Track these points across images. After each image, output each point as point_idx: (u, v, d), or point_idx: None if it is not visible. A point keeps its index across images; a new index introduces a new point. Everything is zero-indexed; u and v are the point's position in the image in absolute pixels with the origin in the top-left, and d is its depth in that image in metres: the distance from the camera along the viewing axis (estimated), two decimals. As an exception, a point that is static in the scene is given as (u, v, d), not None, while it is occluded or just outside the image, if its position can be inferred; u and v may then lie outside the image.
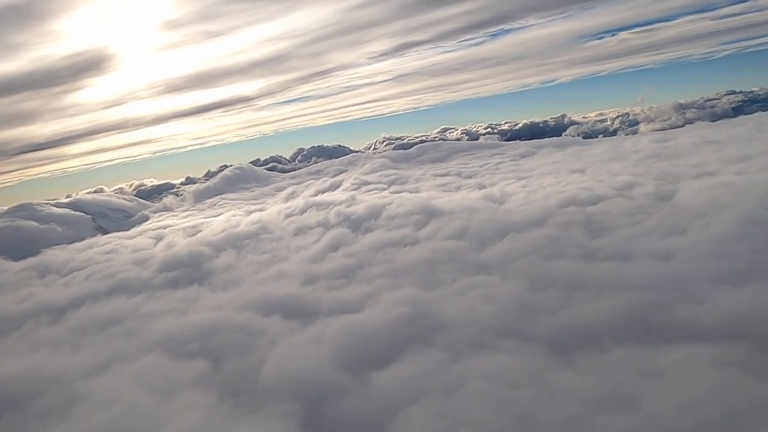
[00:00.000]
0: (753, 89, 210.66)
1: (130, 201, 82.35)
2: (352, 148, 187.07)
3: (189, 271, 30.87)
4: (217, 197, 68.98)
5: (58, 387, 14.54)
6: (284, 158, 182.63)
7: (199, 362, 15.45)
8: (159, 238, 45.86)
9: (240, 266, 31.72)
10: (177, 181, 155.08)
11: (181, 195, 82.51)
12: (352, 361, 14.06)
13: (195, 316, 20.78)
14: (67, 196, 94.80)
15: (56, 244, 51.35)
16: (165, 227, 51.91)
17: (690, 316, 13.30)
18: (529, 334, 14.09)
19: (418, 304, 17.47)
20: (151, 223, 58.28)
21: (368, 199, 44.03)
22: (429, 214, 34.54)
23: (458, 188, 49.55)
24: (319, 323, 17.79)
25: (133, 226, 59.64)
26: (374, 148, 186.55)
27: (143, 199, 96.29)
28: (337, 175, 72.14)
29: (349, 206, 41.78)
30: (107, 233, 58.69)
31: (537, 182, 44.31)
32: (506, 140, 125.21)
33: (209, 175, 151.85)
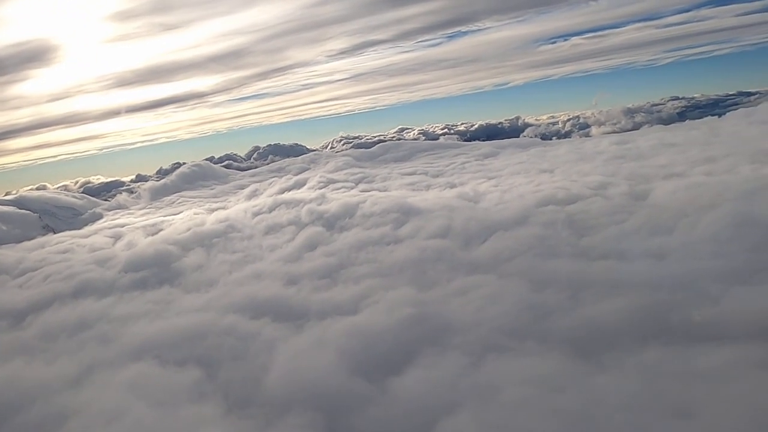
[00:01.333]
0: (695, 95, 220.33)
1: (80, 199, 78.52)
2: (309, 147, 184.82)
3: (157, 271, 29.27)
4: (175, 195, 66.43)
5: (45, 399, 13.11)
6: (239, 156, 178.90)
7: (192, 370, 14.26)
8: (117, 237, 43.63)
9: (211, 266, 30.34)
10: (127, 179, 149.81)
11: (136, 192, 79.09)
12: (364, 366, 13.23)
13: (175, 320, 19.46)
14: (8, 193, 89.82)
15: (2, 244, 48.32)
16: (122, 225, 49.48)
17: (711, 315, 13.06)
18: (547, 335, 13.58)
19: (419, 305, 16.77)
20: (105, 222, 55.54)
21: (339, 197, 43.09)
22: (406, 212, 33.91)
23: (428, 187, 49.20)
24: (315, 326, 16.87)
25: (86, 225, 56.70)
26: (331, 147, 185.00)
27: (91, 196, 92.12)
28: (300, 173, 70.74)
29: (320, 204, 40.74)
30: (56, 232, 55.66)
31: (508, 182, 44.39)
32: (465, 140, 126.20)
33: (162, 173, 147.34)
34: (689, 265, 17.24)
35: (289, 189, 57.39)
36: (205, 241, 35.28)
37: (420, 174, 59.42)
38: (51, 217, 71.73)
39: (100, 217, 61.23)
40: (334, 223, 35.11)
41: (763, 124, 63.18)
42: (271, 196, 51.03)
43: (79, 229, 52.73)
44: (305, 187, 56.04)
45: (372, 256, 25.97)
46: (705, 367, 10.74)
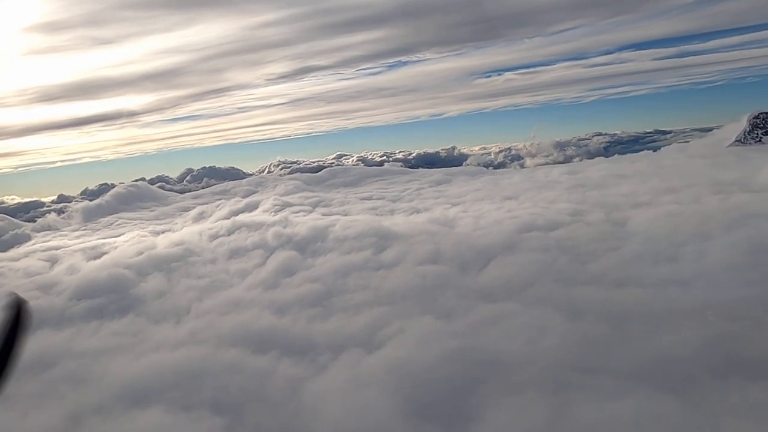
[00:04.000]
0: (616, 132, 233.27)
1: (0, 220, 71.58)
2: (245, 171, 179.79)
3: (114, 298, 26.16)
4: (112, 216, 61.70)
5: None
6: (171, 178, 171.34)
7: (210, 417, 11.97)
8: (54, 261, 39.33)
9: (175, 292, 27.51)
10: (47, 199, 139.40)
11: (65, 213, 73.10)
12: (425, 410, 11.48)
13: (159, 356, 16.86)
14: None
15: None
16: (57, 248, 44.92)
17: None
18: (617, 370, 12.35)
19: (452, 337, 15.25)
20: (35, 244, 50.38)
21: (304, 221, 40.95)
22: (383, 236, 32.35)
23: (392, 212, 47.87)
24: (336, 362, 14.92)
25: (11, 247, 51.26)
26: (269, 171, 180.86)
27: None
28: (248, 195, 67.84)
29: (286, 227, 38.51)
30: (-26, 255, 49.91)
31: (475, 207, 43.75)
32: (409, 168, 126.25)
33: (87, 194, 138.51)
34: (726, 294, 16.61)
35: (240, 211, 54.27)
36: (163, 265, 32.20)
37: (377, 199, 58.17)
38: (-35, 238, 64.82)
39: (27, 238, 55.69)
40: (305, 246, 33.03)
41: (700, 158, 66.78)
42: (225, 218, 47.95)
43: (5, 251, 47.50)
44: (259, 209, 53.30)
45: (362, 282, 24.20)
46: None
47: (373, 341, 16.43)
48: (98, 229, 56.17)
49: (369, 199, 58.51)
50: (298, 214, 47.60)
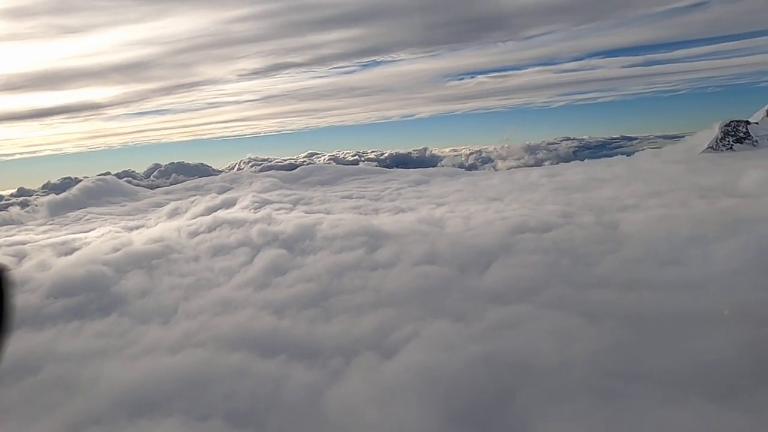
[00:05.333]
0: (584, 137, 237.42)
1: (-43, 212, 68.13)
2: (214, 168, 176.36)
3: (94, 296, 24.73)
4: (81, 211, 59.21)
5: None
6: (137, 173, 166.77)
7: (228, 428, 10.93)
8: (21, 256, 37.23)
9: (159, 291, 26.18)
10: (6, 192, 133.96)
11: (28, 207, 70.05)
12: (463, 418, 10.71)
13: (158, 360, 15.70)
14: None
15: None
16: (23, 243, 42.68)
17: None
18: (657, 376, 11.82)
19: (472, 341, 14.54)
20: (-1, 238, 47.84)
21: (289, 218, 39.80)
22: (374, 236, 31.55)
23: (376, 211, 47.02)
24: (352, 366, 14.09)
25: (-30, 241, 48.56)
26: (239, 168, 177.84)
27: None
28: (223, 192, 66.13)
29: (270, 224, 37.36)
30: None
31: (461, 208, 43.22)
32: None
33: (49, 187, 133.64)
34: (742, 297, 16.35)
35: (217, 208, 52.64)
36: (143, 262, 30.73)
37: (357, 198, 57.27)
38: None
39: (-12, 233, 52.88)
40: (292, 245, 31.96)
41: (675, 163, 67.81)
42: (203, 215, 46.41)
43: (-35, 246, 44.89)
44: (237, 206, 51.77)
45: (360, 283, 23.37)
46: None
47: (385, 345, 15.62)
48: (66, 224, 53.79)
49: (350, 197, 57.57)
50: (280, 212, 46.37)
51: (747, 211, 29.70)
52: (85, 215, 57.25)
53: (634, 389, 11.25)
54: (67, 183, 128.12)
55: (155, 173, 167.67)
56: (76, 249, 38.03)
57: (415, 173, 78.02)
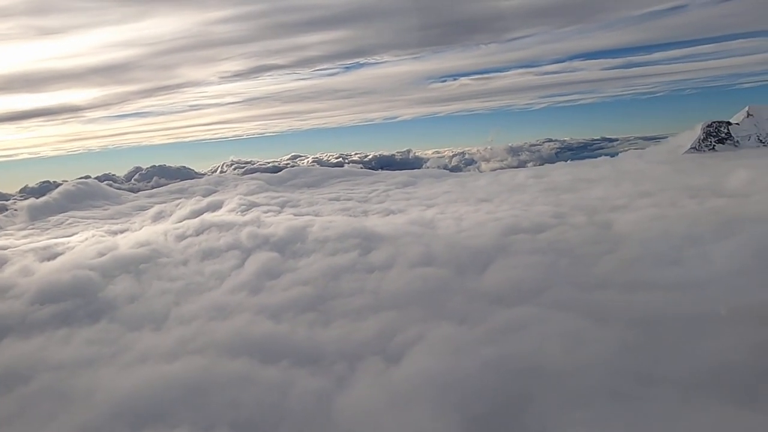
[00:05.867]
0: (565, 138, 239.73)
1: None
2: (196, 171, 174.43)
3: (81, 302, 24.00)
4: (62, 215, 57.97)
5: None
6: (118, 177, 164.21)
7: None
8: (2, 262, 36.10)
9: (148, 296, 25.50)
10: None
11: (7, 211, 68.41)
12: (483, 424, 10.36)
13: (154, 368, 15.12)
14: None
15: None
16: (3, 248, 41.49)
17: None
18: (676, 379, 11.62)
19: (481, 344, 14.21)
20: (-23, 243, 46.49)
21: (279, 221, 39.26)
22: (366, 238, 31.14)
23: (366, 213, 46.64)
24: (357, 372, 13.74)
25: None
26: (221, 171, 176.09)
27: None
28: (208, 195, 65.30)
29: (259, 227, 36.76)
30: None
31: (451, 209, 43.05)
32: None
33: (27, 192, 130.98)
34: (748, 297, 16.26)
35: (202, 211, 51.79)
36: (130, 266, 29.95)
37: (345, 200, 56.84)
38: None
39: (-34, 237, 51.44)
40: (284, 247, 31.42)
41: (660, 164, 68.45)
42: (189, 218, 45.58)
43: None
44: (223, 209, 51.04)
45: (357, 285, 22.96)
46: None
47: (389, 349, 15.25)
48: (48, 228, 52.59)
49: (337, 200, 57.13)
50: (268, 215, 45.76)
51: (739, 211, 29.88)
52: (67, 219, 56.05)
53: (652, 392, 11.01)
54: (46, 187, 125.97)
55: (136, 176, 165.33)
56: (59, 254, 37.06)
57: (401, 175, 77.79)
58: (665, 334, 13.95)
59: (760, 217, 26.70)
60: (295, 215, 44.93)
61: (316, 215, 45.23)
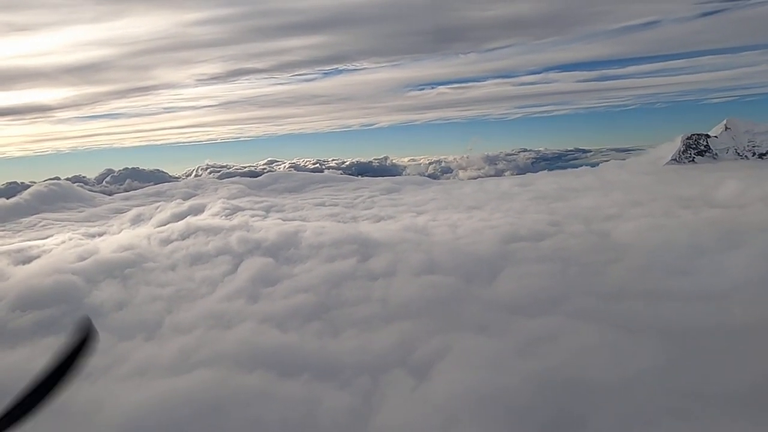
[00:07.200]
0: (540, 149, 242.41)
1: None
2: (170, 174, 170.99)
3: (66, 309, 22.57)
4: (34, 217, 55.64)
5: None
6: (89, 179, 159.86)
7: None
8: (-26, 264, 34.17)
9: (137, 302, 24.13)
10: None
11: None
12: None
13: (158, 382, 13.94)
14: None
15: None
16: (-27, 250, 39.29)
17: None
18: (731, 394, 10.96)
19: (517, 357, 13.45)
20: (-56, 245, 44.08)
21: (268, 226, 38.02)
22: (363, 244, 30.23)
23: (355, 218, 45.66)
24: (382, 386, 12.77)
25: None
26: (196, 175, 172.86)
27: None
28: (188, 198, 63.59)
29: (248, 231, 35.52)
30: None
31: (443, 216, 42.32)
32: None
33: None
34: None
35: (184, 214, 50.15)
36: (115, 271, 28.42)
37: (331, 205, 55.81)
38: None
39: (-69, 239, 48.83)
40: (277, 253, 30.27)
41: (642, 174, 69.08)
42: (172, 221, 43.96)
43: None
44: (206, 213, 49.48)
45: (362, 294, 22.01)
46: None
47: (411, 361, 14.39)
48: (20, 231, 50.31)
49: (323, 205, 56.03)
50: (255, 219, 44.46)
51: (738, 222, 29.89)
52: (40, 221, 53.78)
53: (711, 410, 10.37)
54: (13, 188, 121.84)
55: (108, 179, 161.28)
56: (34, 257, 35.19)
57: (384, 181, 77.04)
58: (705, 347, 13.39)
59: (762, 228, 26.58)
60: (283, 220, 43.72)
61: (304, 220, 44.12)
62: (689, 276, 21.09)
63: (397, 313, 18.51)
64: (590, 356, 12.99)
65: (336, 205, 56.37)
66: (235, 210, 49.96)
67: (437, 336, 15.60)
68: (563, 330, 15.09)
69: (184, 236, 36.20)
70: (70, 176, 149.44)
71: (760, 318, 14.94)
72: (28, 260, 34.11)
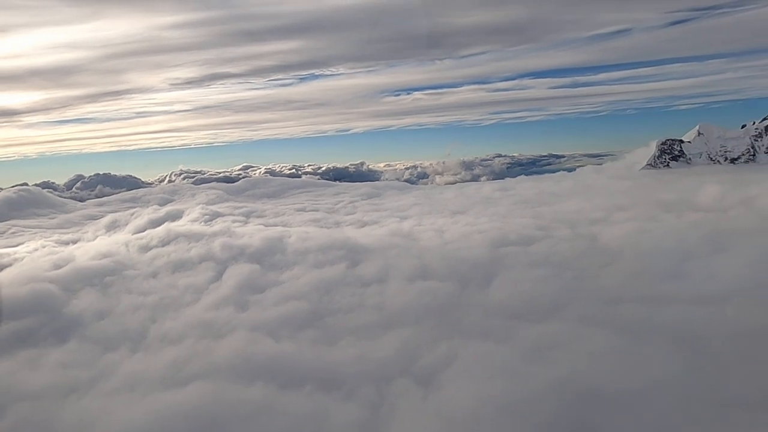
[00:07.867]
0: (515, 154, 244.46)
1: None
2: (143, 180, 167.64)
3: (44, 319, 21.59)
4: (3, 224, 53.72)
5: None
6: (58, 185, 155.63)
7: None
8: (-58, 273, 32.65)
9: (118, 311, 23.25)
10: None
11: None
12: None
13: (155, 398, 13.22)
14: None
15: None
16: (-59, 259, 37.63)
17: None
18: (749, 402, 10.74)
19: (528, 365, 13.16)
20: None
21: (250, 232, 37.23)
22: (351, 249, 29.72)
23: (338, 224, 45.07)
24: (389, 396, 12.31)
25: None
26: (169, 180, 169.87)
27: None
28: (165, 204, 62.23)
29: (231, 237, 34.68)
30: None
31: (428, 221, 42.01)
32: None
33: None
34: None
35: (162, 221, 48.91)
36: (93, 279, 27.38)
37: (312, 210, 55.06)
38: None
39: None
40: (262, 259, 29.55)
41: (620, 179, 69.82)
42: (149, 227, 42.79)
43: None
44: (185, 219, 48.39)
45: (354, 300, 21.53)
46: None
47: (415, 370, 13.97)
48: (-11, 238, 48.44)
49: (304, 210, 55.27)
50: (236, 225, 43.55)
51: (723, 226, 30.20)
52: (9, 228, 51.93)
53: (736, 419, 10.14)
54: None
55: (78, 184, 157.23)
56: (6, 265, 33.88)
57: (364, 186, 76.56)
58: (717, 353, 13.21)
59: (748, 231, 26.85)
60: (265, 225, 42.92)
61: (286, 226, 43.39)
62: (683, 279, 21.08)
63: (395, 320, 18.07)
64: (602, 363, 12.73)
65: (317, 210, 55.65)
66: (215, 216, 48.97)
67: (440, 343, 15.21)
68: (569, 336, 14.83)
69: (165, 243, 35.19)
70: (38, 182, 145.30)
71: (764, 322, 14.88)
72: (2, 269, 32.81)
